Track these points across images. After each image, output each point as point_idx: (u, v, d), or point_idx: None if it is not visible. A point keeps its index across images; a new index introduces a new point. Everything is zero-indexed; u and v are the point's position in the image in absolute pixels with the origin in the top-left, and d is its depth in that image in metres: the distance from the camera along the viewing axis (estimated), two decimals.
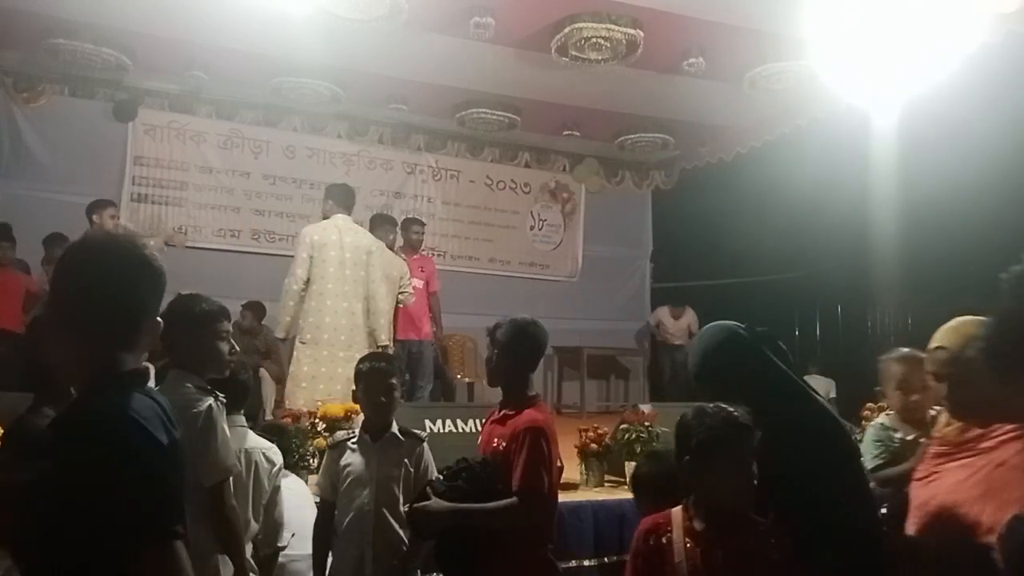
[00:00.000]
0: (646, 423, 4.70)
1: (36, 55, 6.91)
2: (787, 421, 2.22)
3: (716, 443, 2.06)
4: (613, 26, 6.00)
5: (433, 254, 9.68)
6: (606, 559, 4.14)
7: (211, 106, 8.31)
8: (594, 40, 6.09)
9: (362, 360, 3.26)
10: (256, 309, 7.82)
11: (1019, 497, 1.95)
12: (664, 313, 9.96)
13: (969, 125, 6.44)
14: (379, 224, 6.80)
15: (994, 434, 2.14)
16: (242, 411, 3.16)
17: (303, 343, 5.59)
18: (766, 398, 2.27)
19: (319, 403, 4.87)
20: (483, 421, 3.21)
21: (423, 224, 7.74)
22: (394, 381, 3.16)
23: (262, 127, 8.67)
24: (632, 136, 8.75)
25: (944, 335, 2.23)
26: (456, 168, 9.78)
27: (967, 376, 2.07)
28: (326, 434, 4.18)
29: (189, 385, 2.70)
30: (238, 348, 3.03)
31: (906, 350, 3.14)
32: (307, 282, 5.58)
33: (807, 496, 2.10)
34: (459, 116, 8.19)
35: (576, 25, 6.02)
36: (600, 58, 6.33)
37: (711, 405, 2.17)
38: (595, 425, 4.85)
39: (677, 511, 2.14)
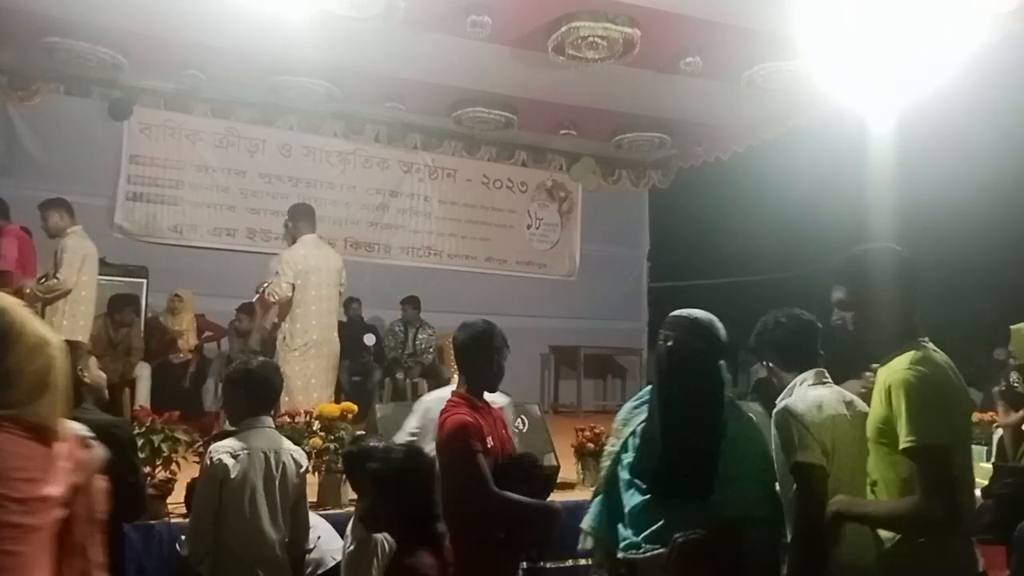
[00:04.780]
0: None
1: (31, 53, 6.87)
2: None
3: None
4: (610, 25, 5.98)
5: (430, 253, 9.70)
6: None
7: (207, 105, 8.26)
8: (591, 39, 6.07)
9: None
10: (251, 311, 7.81)
11: None
12: None
13: (967, 124, 6.45)
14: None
15: None
16: (271, 412, 3.19)
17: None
18: None
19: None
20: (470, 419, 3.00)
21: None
22: None
23: (258, 126, 8.65)
24: (629, 135, 8.73)
25: None
26: (452, 167, 9.77)
27: None
28: (322, 434, 4.18)
29: None
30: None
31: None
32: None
33: None
34: (455, 115, 8.16)
35: (573, 24, 6.00)
36: (597, 57, 6.31)
37: None
38: (592, 424, 4.85)
39: None
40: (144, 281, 7.60)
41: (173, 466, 3.79)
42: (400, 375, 8.03)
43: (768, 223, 8.94)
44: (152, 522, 3.57)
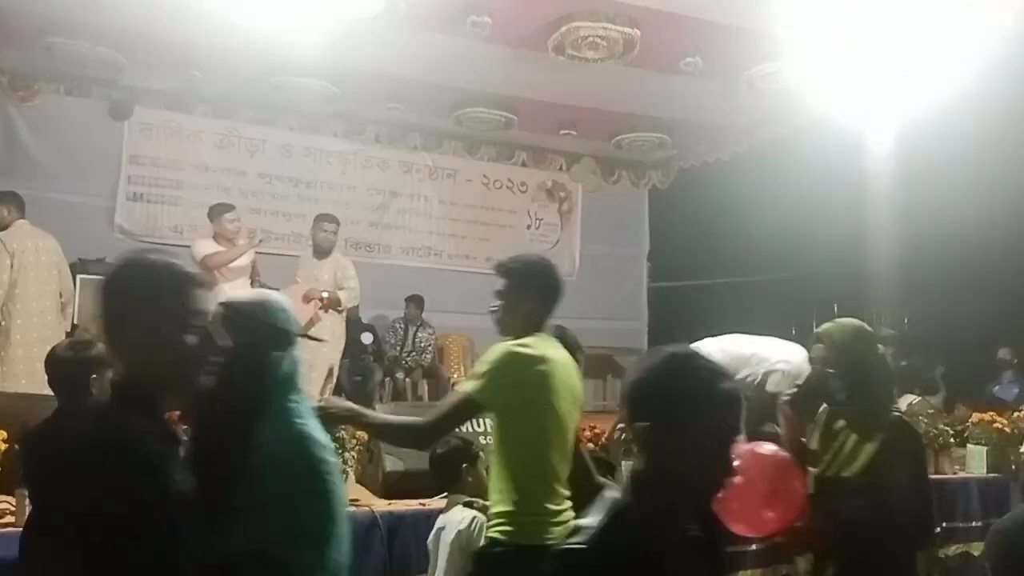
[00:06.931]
0: None
1: (32, 54, 6.88)
2: None
3: None
4: (610, 25, 5.99)
5: (430, 253, 9.70)
6: None
7: (207, 105, 8.26)
8: (591, 39, 6.08)
9: None
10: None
11: None
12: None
13: (968, 123, 6.45)
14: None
15: None
16: None
17: None
18: None
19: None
20: None
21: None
22: None
23: (258, 126, 8.64)
24: (629, 135, 8.73)
25: None
26: (453, 167, 9.76)
27: None
28: None
29: None
30: None
31: None
32: None
33: None
34: (456, 115, 8.17)
35: (573, 24, 6.01)
36: (597, 57, 6.32)
37: None
38: (592, 424, 4.85)
39: None
40: None
41: None
42: (400, 375, 8.06)
43: (768, 223, 8.94)
44: None
